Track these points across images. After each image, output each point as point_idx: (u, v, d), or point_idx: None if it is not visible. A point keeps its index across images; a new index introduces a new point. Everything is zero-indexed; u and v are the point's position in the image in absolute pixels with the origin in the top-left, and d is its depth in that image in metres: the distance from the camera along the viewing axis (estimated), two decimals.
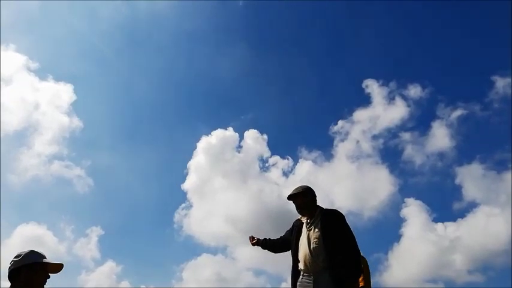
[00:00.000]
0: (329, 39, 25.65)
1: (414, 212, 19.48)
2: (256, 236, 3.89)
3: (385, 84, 22.77)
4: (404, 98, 22.47)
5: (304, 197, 3.47)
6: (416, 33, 24.79)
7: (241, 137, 22.61)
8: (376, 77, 23.59)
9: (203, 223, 22.12)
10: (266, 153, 22.12)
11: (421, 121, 22.97)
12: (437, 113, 21.86)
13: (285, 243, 3.66)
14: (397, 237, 20.02)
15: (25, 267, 2.25)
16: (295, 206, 3.52)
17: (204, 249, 23.86)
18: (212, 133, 22.58)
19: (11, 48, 24.08)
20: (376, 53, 25.35)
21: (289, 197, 3.52)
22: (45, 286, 2.33)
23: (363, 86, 21.99)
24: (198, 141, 23.36)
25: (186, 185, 21.64)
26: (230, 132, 22.37)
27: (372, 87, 21.98)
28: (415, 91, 22.02)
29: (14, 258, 2.28)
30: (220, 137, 22.19)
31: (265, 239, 3.86)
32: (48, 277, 2.33)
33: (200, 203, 23.07)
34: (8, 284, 2.29)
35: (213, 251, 23.92)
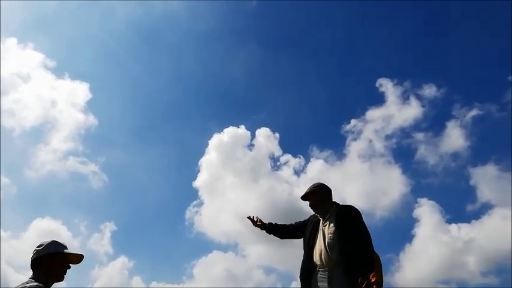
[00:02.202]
0: (342, 37, 25.51)
1: (427, 212, 19.28)
2: (260, 219, 3.77)
3: (399, 83, 22.59)
4: (419, 97, 22.22)
5: (315, 196, 3.48)
6: (432, 31, 24.46)
7: (253, 135, 22.69)
8: (390, 76, 23.43)
9: (214, 220, 22.29)
10: (277, 151, 22.15)
11: (435, 121, 22.71)
12: (452, 113, 21.60)
13: (296, 231, 3.64)
14: (409, 238, 19.84)
15: (46, 256, 2.30)
16: (309, 205, 3.53)
17: (214, 246, 24.11)
18: (224, 131, 22.70)
19: (29, 47, 24.62)
20: (391, 52, 25.10)
21: (302, 198, 3.53)
22: (65, 276, 2.41)
23: (377, 85, 21.83)
24: (209, 139, 23.45)
25: (198, 182, 21.81)
26: (242, 130, 22.46)
27: (386, 86, 21.80)
28: (430, 91, 21.77)
29: (37, 247, 2.34)
30: (231, 134, 22.30)
31: (270, 223, 3.74)
32: (69, 267, 2.38)
33: (211, 200, 23.27)
34: (30, 273, 2.36)
35: (224, 248, 24.10)
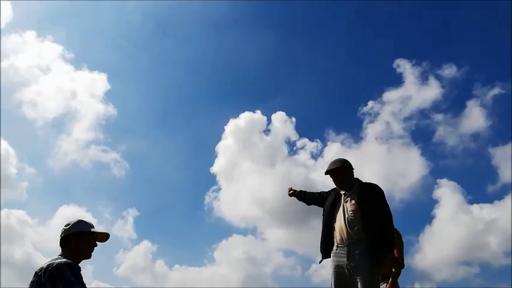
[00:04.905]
0: (357, 18, 24.91)
1: (448, 193, 18.99)
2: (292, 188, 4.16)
3: (417, 63, 22.02)
4: (439, 78, 21.66)
5: (339, 172, 3.45)
6: (451, 9, 23.61)
7: (269, 120, 22.59)
8: (408, 57, 22.81)
9: (232, 205, 22.54)
10: (294, 136, 22.06)
11: (455, 102, 22.11)
12: (473, 92, 21.01)
13: (319, 200, 3.81)
14: (429, 219, 19.67)
15: (73, 235, 2.41)
16: (334, 181, 3.51)
17: (234, 230, 24.43)
18: (240, 116, 22.65)
19: (48, 39, 25.02)
20: (408, 32, 24.41)
21: (327, 172, 3.50)
22: (92, 253, 2.50)
23: (394, 66, 21.34)
24: (226, 125, 23.46)
25: (215, 168, 21.98)
26: (258, 115, 22.36)
27: (404, 67, 21.28)
28: (450, 71, 21.16)
29: (64, 226, 2.44)
30: (248, 119, 22.21)
31: (300, 191, 4.09)
32: (96, 245, 2.48)
33: (229, 185, 23.45)
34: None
35: (243, 232, 24.40)
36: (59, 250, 2.42)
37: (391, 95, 22.14)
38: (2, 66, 21.79)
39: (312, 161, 22.01)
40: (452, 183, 19.26)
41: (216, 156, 22.85)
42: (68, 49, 25.99)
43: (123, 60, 26.60)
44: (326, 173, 3.51)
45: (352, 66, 25.37)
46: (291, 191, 4.12)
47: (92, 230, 2.47)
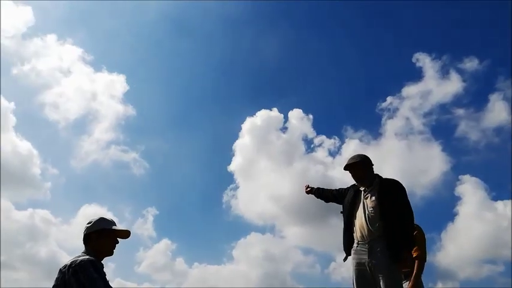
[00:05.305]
0: (375, 12, 24.54)
1: (470, 189, 18.56)
2: (311, 186, 4.07)
3: (437, 57, 21.52)
4: (460, 71, 21.14)
5: (361, 167, 3.41)
6: (471, 1, 22.96)
7: (286, 118, 22.53)
8: (428, 51, 22.31)
9: (250, 203, 22.64)
10: (311, 133, 21.94)
11: (477, 96, 21.57)
12: (496, 85, 20.42)
13: (337, 197, 3.74)
14: (452, 217, 19.28)
15: (95, 233, 2.45)
16: (353, 176, 3.47)
17: (252, 228, 24.48)
18: (256, 114, 22.67)
19: (68, 42, 25.65)
20: (428, 25, 23.89)
21: (346, 167, 3.47)
22: (114, 250, 2.54)
23: (413, 60, 20.94)
24: (242, 123, 23.53)
25: (232, 166, 22.07)
26: (275, 113, 22.35)
27: (424, 61, 20.88)
28: (471, 64, 20.63)
29: (86, 224, 2.49)
30: (264, 117, 22.25)
31: (318, 188, 4.01)
32: (117, 242, 2.52)
33: (246, 183, 23.54)
34: None
35: (261, 230, 24.44)
36: (83, 248, 2.46)
37: (410, 90, 21.82)
38: (24, 69, 22.57)
39: (330, 159, 21.90)
40: (475, 179, 18.83)
41: (233, 155, 23.01)
42: (87, 51, 26.61)
43: (141, 61, 27.07)
44: (345, 168, 3.47)
45: (370, 61, 25.06)
46: (308, 189, 4.05)
47: (113, 227, 2.51)
